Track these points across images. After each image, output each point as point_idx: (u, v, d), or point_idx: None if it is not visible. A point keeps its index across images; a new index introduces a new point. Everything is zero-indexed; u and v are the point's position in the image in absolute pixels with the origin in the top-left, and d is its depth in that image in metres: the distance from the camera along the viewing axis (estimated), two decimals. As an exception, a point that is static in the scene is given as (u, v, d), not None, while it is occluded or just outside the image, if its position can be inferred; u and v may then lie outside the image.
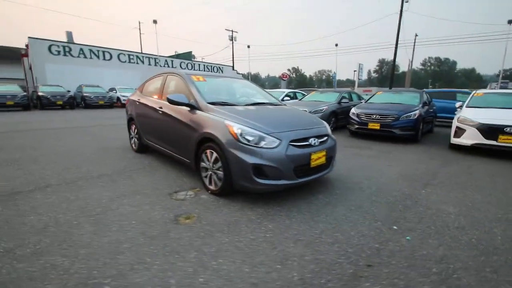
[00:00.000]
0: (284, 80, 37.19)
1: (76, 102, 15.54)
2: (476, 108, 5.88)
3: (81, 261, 1.72)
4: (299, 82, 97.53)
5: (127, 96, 17.09)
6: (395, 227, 2.29)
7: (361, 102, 8.55)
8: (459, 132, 5.55)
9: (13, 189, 2.92)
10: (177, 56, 31.25)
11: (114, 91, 18.14)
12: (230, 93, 3.86)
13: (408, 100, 7.77)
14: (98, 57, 21.01)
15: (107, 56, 21.61)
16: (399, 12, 27.20)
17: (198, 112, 3.06)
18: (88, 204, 2.60)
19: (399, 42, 25.52)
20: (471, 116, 5.50)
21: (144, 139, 4.37)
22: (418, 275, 1.67)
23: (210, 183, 2.92)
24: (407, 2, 27.47)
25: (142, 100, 4.35)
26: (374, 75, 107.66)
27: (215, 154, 2.76)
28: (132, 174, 3.54)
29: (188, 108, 3.20)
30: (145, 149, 4.67)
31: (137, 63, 23.55)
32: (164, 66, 25.02)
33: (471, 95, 6.58)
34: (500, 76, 25.42)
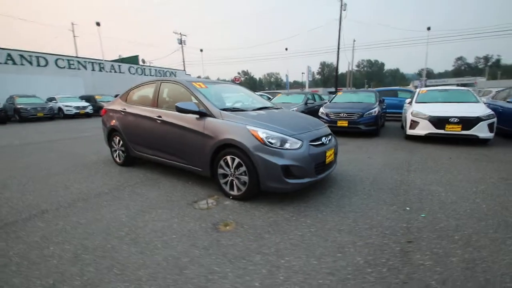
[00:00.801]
0: (237, 83, 37.63)
1: (7, 115, 13.30)
2: (424, 103, 6.93)
3: (149, 283, 1.64)
4: (249, 84, 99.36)
5: (71, 106, 15.38)
6: (407, 208, 2.66)
7: (326, 102, 9.30)
8: (414, 124, 6.49)
9: (2, 221, 2.50)
10: (122, 60, 29.08)
11: (54, 101, 16.04)
12: (232, 99, 3.89)
13: (366, 99, 8.74)
14: (31, 63, 18.31)
15: (42, 62, 18.98)
16: (338, 19, 30.02)
17: (210, 119, 3.05)
18: (110, 225, 2.40)
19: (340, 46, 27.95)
20: (422, 110, 6.48)
21: (134, 151, 4.10)
22: (448, 242, 2.02)
23: (231, 188, 2.94)
24: (344, 10, 30.54)
25: (130, 110, 4.08)
26: (317, 76, 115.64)
27: (237, 160, 2.80)
28: (135, 189, 3.32)
29: (197, 116, 3.16)
30: (131, 162, 4.38)
31: (78, 69, 21.21)
32: (110, 72, 23.05)
33: (417, 93, 7.70)
34: (424, 75, 29.98)
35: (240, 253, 1.94)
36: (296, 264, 1.79)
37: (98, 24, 21.98)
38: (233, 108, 3.29)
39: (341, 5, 29.65)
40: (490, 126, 5.75)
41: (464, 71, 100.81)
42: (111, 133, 4.50)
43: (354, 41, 32.47)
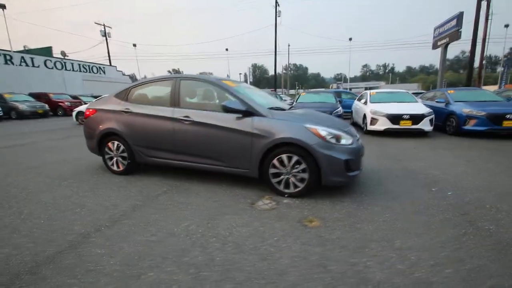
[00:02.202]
0: None
1: None
2: (378, 103, 8.14)
3: (306, 285, 1.60)
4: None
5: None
6: (433, 189, 3.21)
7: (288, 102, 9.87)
8: (374, 121, 7.57)
9: (45, 251, 1.94)
10: (28, 52, 23.96)
11: None
12: (259, 97, 3.79)
13: (327, 99, 9.68)
14: None
15: None
16: (274, 24, 31.78)
17: (259, 118, 2.99)
18: (192, 237, 2.15)
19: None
20: (379, 109, 7.61)
21: (143, 156, 3.63)
22: (485, 210, 2.57)
23: (286, 187, 2.97)
24: (279, 17, 32.54)
25: (137, 110, 3.58)
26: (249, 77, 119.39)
27: (295, 157, 2.85)
28: (172, 198, 2.98)
29: (238, 115, 3.06)
30: (134, 169, 3.85)
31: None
32: (20, 65, 18.68)
33: (369, 94, 8.94)
34: (348, 79, 34.52)
35: (356, 243, 2.04)
36: (413, 244, 2.02)
37: (2, 6, 17.40)
38: (276, 107, 3.29)
39: (276, 12, 31.56)
40: (431, 121, 7.22)
41: (368, 76, 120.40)
42: (104, 138, 3.84)
43: (289, 45, 34.98)
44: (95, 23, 28.62)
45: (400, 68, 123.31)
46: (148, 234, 2.21)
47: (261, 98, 3.48)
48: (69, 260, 1.85)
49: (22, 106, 13.88)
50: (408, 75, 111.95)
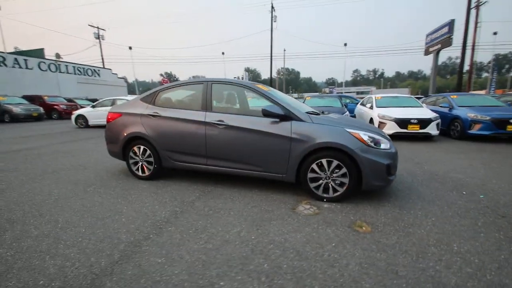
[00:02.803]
0: None
1: None
2: (384, 108, 8.27)
3: None
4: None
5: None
6: (464, 193, 3.26)
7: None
8: (382, 125, 7.68)
9: (99, 262, 1.85)
10: (19, 53, 23.30)
11: None
12: (292, 102, 3.75)
13: (333, 103, 9.78)
14: None
15: None
16: (270, 29, 32.09)
17: (299, 122, 2.98)
18: (248, 245, 2.10)
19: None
20: (387, 113, 7.74)
21: (171, 161, 3.56)
22: (526, 214, 2.63)
23: (324, 191, 2.95)
24: (275, 21, 32.88)
25: (167, 114, 3.52)
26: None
27: (335, 162, 2.85)
28: (207, 204, 2.92)
29: (276, 120, 3.04)
30: (159, 174, 3.76)
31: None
32: (13, 67, 18.10)
33: (374, 99, 9.08)
34: (343, 84, 35.02)
35: (416, 248, 2.04)
36: (470, 248, 2.03)
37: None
38: (311, 112, 3.29)
39: (272, 17, 31.91)
40: (438, 126, 7.38)
41: (359, 81, 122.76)
42: (130, 142, 3.75)
43: (285, 50, 35.34)
44: (89, 25, 28.14)
45: (389, 73, 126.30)
46: (202, 241, 2.15)
47: (292, 102, 3.47)
48: (131, 270, 1.78)
49: (16, 109, 13.45)
50: (397, 80, 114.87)
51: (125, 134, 3.71)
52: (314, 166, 2.92)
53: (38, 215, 2.64)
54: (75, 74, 23.59)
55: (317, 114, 3.29)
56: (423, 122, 7.28)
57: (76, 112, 11.35)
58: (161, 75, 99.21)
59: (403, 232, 2.30)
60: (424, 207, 2.82)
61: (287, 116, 3.00)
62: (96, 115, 11.05)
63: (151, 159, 3.66)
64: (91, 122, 11.18)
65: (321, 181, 2.94)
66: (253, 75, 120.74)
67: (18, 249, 2.04)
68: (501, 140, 7.27)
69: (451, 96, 8.51)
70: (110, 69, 29.04)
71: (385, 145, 2.90)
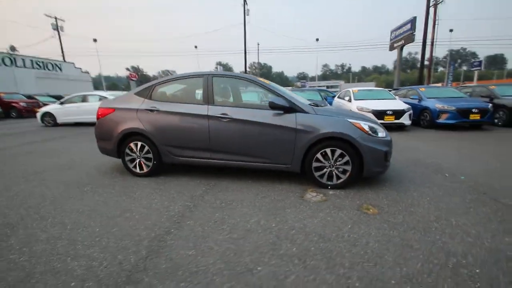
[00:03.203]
0: (133, 80, 33.73)
1: None
2: (361, 100, 8.73)
3: (431, 278, 1.77)
4: (142, 82, 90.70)
5: None
6: (446, 175, 3.63)
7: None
8: (361, 116, 8.13)
9: (128, 259, 1.82)
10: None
11: None
12: (292, 94, 3.78)
13: (313, 97, 10.10)
14: None
15: None
16: (243, 23, 31.90)
17: (303, 114, 3.10)
18: (271, 233, 2.19)
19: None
20: (365, 105, 8.20)
21: (172, 156, 3.50)
22: (499, 190, 3.02)
23: (329, 179, 3.12)
24: (248, 15, 32.71)
25: (166, 108, 3.44)
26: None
27: (338, 151, 3.02)
28: (218, 197, 2.95)
29: (280, 112, 3.13)
30: (158, 170, 3.68)
31: None
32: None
33: (352, 92, 9.53)
34: (316, 77, 36.00)
35: (421, 225, 2.27)
36: (466, 221, 2.31)
37: None
38: (313, 103, 3.42)
39: (244, 11, 31.67)
40: (410, 116, 7.98)
41: (328, 75, 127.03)
42: (125, 138, 3.60)
43: (258, 44, 35.32)
44: (46, 15, 25.69)
45: (356, 68, 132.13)
46: (225, 232, 2.19)
47: (294, 95, 3.58)
48: (164, 264, 1.78)
49: (-32, 108, 12.00)
50: (363, 75, 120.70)
51: (120, 130, 3.56)
52: (318, 155, 3.06)
53: (39, 218, 2.48)
54: (33, 68, 21.44)
55: (317, 106, 3.42)
56: (398, 113, 7.83)
57: (42, 110, 10.44)
58: (127, 69, 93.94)
59: (406, 211, 2.53)
60: (417, 189, 3.10)
61: (291, 108, 3.10)
62: (65, 112, 10.29)
63: (150, 155, 3.56)
64: (60, 120, 10.38)
65: (325, 170, 3.10)
66: (225, 69, 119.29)
67: (31, 253, 1.92)
68: (463, 128, 8.08)
69: (420, 89, 9.23)
70: (72, 63, 26.87)
71: (381, 133, 3.13)
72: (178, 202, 2.80)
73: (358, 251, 1.90)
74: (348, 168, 3.04)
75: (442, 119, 7.83)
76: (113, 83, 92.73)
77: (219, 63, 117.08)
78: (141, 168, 3.64)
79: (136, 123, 3.50)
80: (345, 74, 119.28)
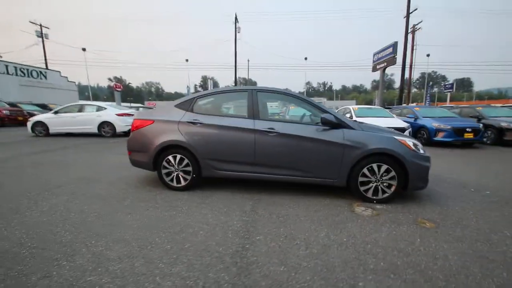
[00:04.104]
0: (118, 91, 32.84)
1: None
2: (363, 118, 9.10)
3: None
4: (126, 93, 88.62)
5: None
6: (472, 190, 3.84)
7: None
8: (364, 133, 8.46)
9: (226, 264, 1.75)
10: None
11: None
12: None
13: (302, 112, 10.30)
14: None
15: None
16: (234, 40, 32.67)
17: (349, 130, 3.20)
18: (353, 246, 2.20)
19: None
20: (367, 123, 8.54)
21: (212, 169, 3.45)
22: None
23: (374, 194, 3.21)
24: (239, 32, 33.55)
25: (211, 121, 3.42)
26: (199, 89, 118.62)
27: (385, 166, 3.13)
28: (269, 209, 2.93)
29: (325, 127, 3.23)
30: (196, 184, 3.61)
31: None
32: None
33: (352, 109, 9.91)
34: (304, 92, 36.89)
35: (482, 236, 2.38)
36: (519, 234, 2.46)
37: None
38: (353, 120, 3.54)
39: (235, 28, 32.52)
40: (409, 133, 8.42)
41: (311, 92, 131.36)
42: (161, 152, 3.52)
43: (248, 60, 36.15)
44: (30, 22, 24.82)
45: (336, 86, 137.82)
46: (302, 248, 2.17)
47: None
48: (264, 281, 1.73)
49: None
50: (343, 93, 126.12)
51: (160, 143, 3.47)
52: (365, 170, 3.16)
53: (95, 235, 2.33)
54: (17, 75, 20.28)
55: (360, 123, 3.56)
56: (399, 131, 8.21)
57: (34, 119, 9.89)
58: (110, 79, 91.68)
59: (460, 225, 2.64)
60: (456, 204, 3.25)
61: (339, 124, 3.20)
62: (60, 122, 9.82)
63: (189, 169, 3.48)
64: (53, 130, 9.87)
65: (370, 184, 3.19)
66: (212, 83, 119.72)
67: (110, 273, 1.80)
68: (456, 146, 8.62)
69: (415, 108, 9.81)
70: (58, 71, 25.81)
71: (422, 150, 3.29)
72: (234, 217, 2.75)
73: (443, 264, 1.96)
74: (394, 183, 3.14)
75: (438, 137, 8.32)
76: (94, 93, 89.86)
77: (205, 77, 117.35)
78: (178, 181, 3.54)
79: (177, 136, 3.44)
80: (327, 92, 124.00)
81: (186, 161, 3.47)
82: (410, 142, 3.18)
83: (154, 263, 1.92)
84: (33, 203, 3.06)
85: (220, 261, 1.95)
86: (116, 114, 10.03)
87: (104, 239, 2.25)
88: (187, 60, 31.85)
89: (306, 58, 31.59)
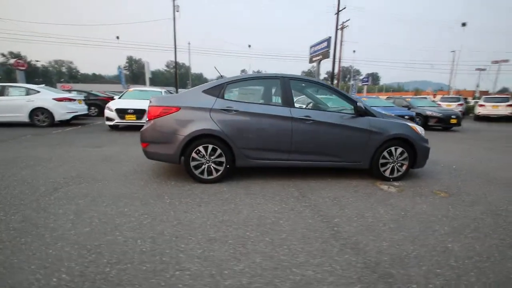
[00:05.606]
0: (21, 70, 26.89)
1: None
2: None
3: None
4: (28, 73, 72.29)
5: None
6: (441, 165, 4.80)
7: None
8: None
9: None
10: None
11: None
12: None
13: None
14: None
15: None
16: (172, 18, 30.27)
17: (374, 118, 3.57)
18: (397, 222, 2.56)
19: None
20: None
21: (247, 159, 3.38)
22: (487, 175, 4.30)
23: (391, 173, 3.70)
24: (178, 11, 31.15)
25: (245, 109, 3.30)
26: (125, 72, 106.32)
27: (400, 149, 3.64)
28: (318, 194, 3.09)
29: (354, 115, 3.54)
30: (227, 175, 3.47)
31: None
32: None
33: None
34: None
35: (489, 206, 3.07)
36: None
37: None
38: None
39: (174, 6, 30.02)
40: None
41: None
42: (190, 143, 3.23)
43: (189, 43, 33.97)
44: None
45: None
46: (381, 223, 2.42)
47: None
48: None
49: None
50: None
51: (190, 132, 3.16)
52: (385, 153, 3.60)
53: (175, 238, 2.07)
54: None
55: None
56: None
57: None
58: (4, 55, 72.67)
59: (468, 195, 3.25)
60: (452, 179, 3.87)
61: (365, 112, 3.53)
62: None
63: (221, 159, 3.31)
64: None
65: (388, 165, 3.67)
66: (138, 66, 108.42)
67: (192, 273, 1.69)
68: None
69: (363, 99, 11.23)
70: None
71: (423, 134, 3.93)
72: (296, 204, 2.81)
73: (476, 225, 2.46)
74: (406, 162, 3.69)
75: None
76: (-23, 70, 70.15)
77: (130, 58, 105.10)
78: (209, 173, 3.32)
79: (210, 124, 3.20)
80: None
81: (219, 151, 3.27)
82: (418, 128, 3.77)
83: (275, 257, 1.86)
84: (73, 212, 2.44)
85: (330, 245, 2.02)
86: (54, 99, 8.29)
87: (194, 239, 2.03)
88: (117, 38, 27.83)
89: (249, 46, 31.88)
